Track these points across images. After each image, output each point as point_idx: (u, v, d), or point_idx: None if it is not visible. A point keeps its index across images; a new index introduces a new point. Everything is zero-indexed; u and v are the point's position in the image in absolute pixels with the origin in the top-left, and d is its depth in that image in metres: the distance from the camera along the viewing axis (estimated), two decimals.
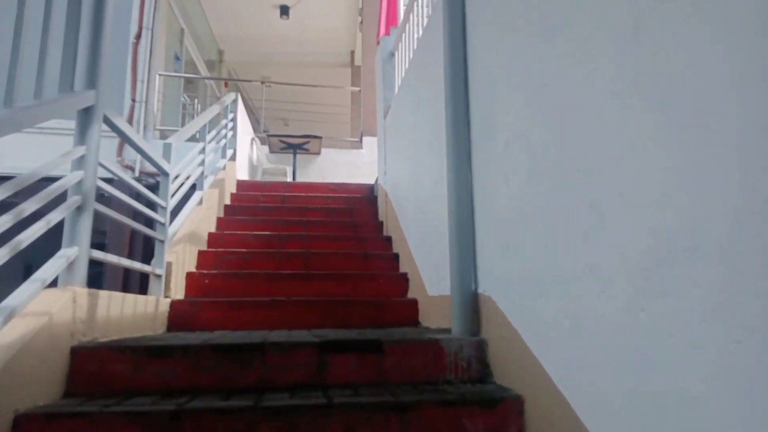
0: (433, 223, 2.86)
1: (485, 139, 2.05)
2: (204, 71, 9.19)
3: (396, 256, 3.79)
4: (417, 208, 3.28)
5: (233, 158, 5.22)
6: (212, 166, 4.56)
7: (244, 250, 3.69)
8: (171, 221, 3.15)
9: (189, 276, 3.25)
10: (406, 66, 3.96)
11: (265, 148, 6.73)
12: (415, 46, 3.51)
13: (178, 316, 2.87)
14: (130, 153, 6.39)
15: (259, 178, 6.25)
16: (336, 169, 6.85)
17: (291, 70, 10.60)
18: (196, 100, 9.13)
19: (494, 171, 1.96)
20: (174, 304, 2.89)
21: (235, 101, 5.38)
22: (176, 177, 3.24)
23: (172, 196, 3.09)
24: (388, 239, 4.11)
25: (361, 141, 7.01)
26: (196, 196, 3.83)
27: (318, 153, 6.78)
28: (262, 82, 7.33)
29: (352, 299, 3.11)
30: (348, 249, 3.98)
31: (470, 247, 2.12)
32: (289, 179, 6.24)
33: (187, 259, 3.32)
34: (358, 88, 7.35)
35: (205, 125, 4.01)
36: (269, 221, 4.27)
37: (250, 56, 10.35)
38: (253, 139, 6.38)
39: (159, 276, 2.86)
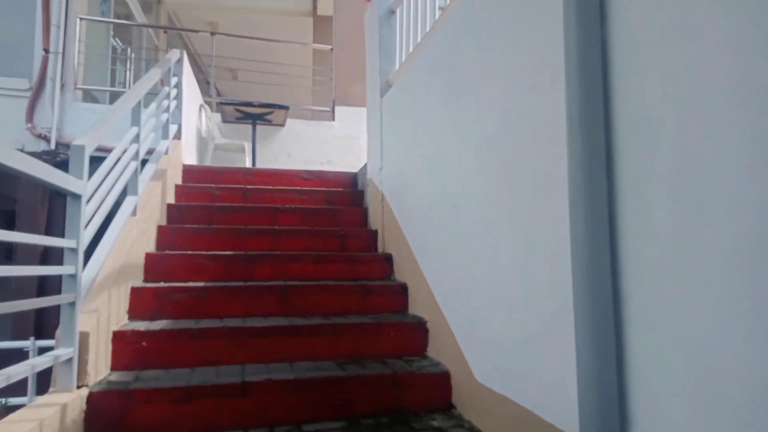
0: (487, 276, 1.95)
1: (654, 175, 1.13)
2: (139, 14, 7.67)
3: (403, 288, 2.88)
4: (447, 236, 2.35)
5: (178, 136, 4.07)
6: (150, 153, 3.43)
7: (199, 284, 2.67)
8: (87, 263, 2.10)
9: (117, 337, 2.22)
10: (420, 30, 2.95)
11: (217, 116, 5.54)
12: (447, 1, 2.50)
13: (101, 419, 1.87)
14: (44, 115, 5.08)
15: (209, 158, 5.08)
16: (304, 145, 5.76)
17: (241, 16, 9.15)
18: (129, 50, 7.65)
19: (693, 240, 1.05)
20: (93, 399, 1.88)
21: (180, 61, 4.17)
22: (95, 191, 2.15)
23: (87, 224, 2.02)
24: (388, 258, 3.18)
25: (333, 112, 5.92)
26: (128, 204, 2.74)
27: (282, 125, 5.65)
28: (212, 33, 6.02)
29: (356, 375, 2.18)
30: (338, 275, 3.03)
31: (611, 358, 1.24)
32: (248, 159, 5.12)
33: (113, 309, 2.28)
34: (328, 47, 6.19)
35: (139, 101, 2.87)
36: (229, 231, 3.23)
37: None
38: (201, 106, 5.18)
39: (68, 361, 1.83)
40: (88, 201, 2.02)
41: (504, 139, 1.84)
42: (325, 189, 4.06)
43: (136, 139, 2.81)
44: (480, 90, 2.04)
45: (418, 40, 2.94)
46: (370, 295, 2.81)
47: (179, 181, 3.88)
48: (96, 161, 2.14)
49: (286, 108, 5.27)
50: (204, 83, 6.63)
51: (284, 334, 2.40)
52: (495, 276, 1.89)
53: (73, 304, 1.85)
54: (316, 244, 3.32)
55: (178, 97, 4.12)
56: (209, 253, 2.94)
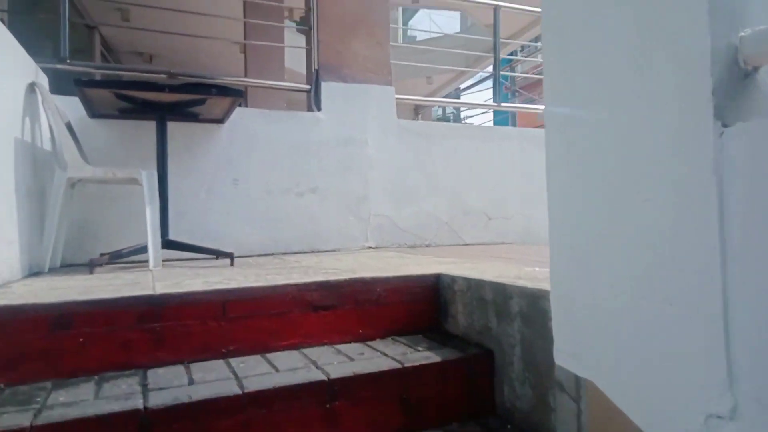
0: None
1: None
2: None
3: None
4: None
5: None
6: None
7: None
8: None
9: None
10: None
11: (74, 104, 2.58)
12: None
13: None
14: None
15: (56, 212, 2.17)
16: (264, 157, 2.97)
17: None
18: None
19: None
20: None
21: None
22: None
23: None
24: None
25: (315, 93, 3.14)
26: None
27: (221, 121, 2.83)
28: None
29: None
30: None
31: None
32: (150, 208, 2.26)
33: None
34: None
35: None
36: None
37: None
38: (34, 87, 2.25)
39: None
40: None
41: None
42: (395, 369, 1.40)
43: None
44: None
45: None
46: None
47: None
48: None
49: (234, 94, 2.41)
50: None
51: None
52: None
53: None
54: None
55: None
56: None
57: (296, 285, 1.56)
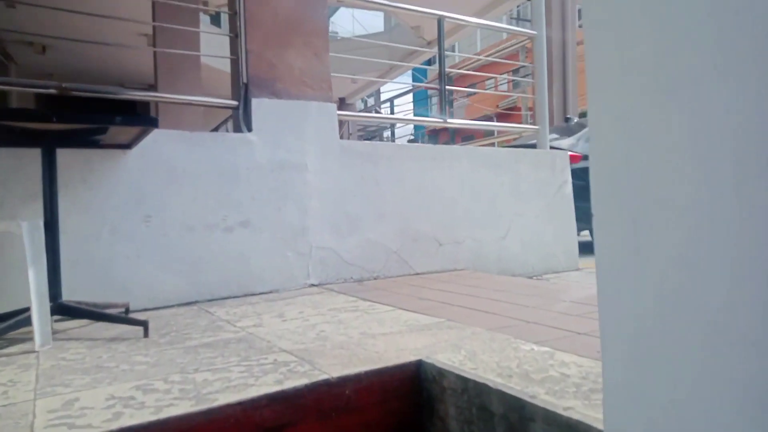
0: None
1: None
2: None
3: None
4: None
5: None
6: None
7: None
8: None
9: None
10: None
11: None
12: None
13: None
14: None
15: None
16: (182, 187, 2.49)
17: None
18: None
19: None
20: None
21: None
22: None
23: None
24: None
25: (245, 111, 2.68)
26: None
27: (128, 146, 2.31)
28: None
29: None
30: None
31: None
32: (34, 269, 1.75)
33: None
34: None
35: None
36: None
37: None
38: None
39: None
40: None
41: None
42: None
43: None
44: None
45: None
46: None
47: None
48: None
49: (147, 123, 1.92)
50: None
51: None
52: None
53: None
54: None
55: None
56: None
57: (240, 404, 1.16)
